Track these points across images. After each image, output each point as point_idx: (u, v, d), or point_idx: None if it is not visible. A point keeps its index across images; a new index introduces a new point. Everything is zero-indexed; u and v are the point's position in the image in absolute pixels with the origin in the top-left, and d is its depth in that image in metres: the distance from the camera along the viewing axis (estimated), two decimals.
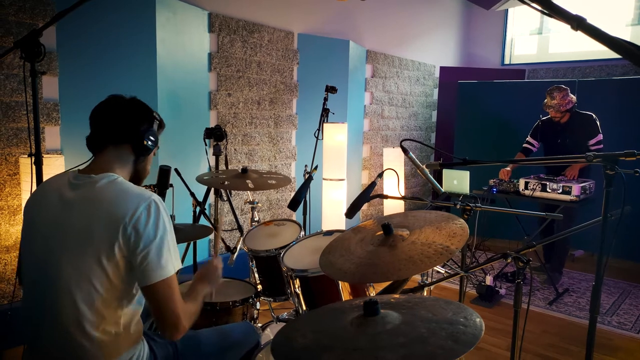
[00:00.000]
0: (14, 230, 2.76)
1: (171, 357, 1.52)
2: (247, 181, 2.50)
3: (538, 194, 3.79)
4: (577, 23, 0.87)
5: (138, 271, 1.29)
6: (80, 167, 1.44)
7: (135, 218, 1.27)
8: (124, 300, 1.33)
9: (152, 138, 1.45)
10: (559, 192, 3.68)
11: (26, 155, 2.66)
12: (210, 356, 1.64)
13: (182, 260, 2.88)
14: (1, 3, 2.62)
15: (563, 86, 3.85)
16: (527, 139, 4.24)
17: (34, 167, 1.89)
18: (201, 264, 1.65)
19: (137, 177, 1.50)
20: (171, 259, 1.32)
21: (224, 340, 1.70)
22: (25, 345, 1.39)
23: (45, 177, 1.83)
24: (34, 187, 1.80)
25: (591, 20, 0.88)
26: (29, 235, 1.38)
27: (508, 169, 4.16)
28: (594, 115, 3.90)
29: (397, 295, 1.38)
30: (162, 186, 1.98)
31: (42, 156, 1.91)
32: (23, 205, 2.08)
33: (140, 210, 1.28)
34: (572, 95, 3.84)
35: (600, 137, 3.85)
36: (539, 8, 0.92)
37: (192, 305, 1.45)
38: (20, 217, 2.75)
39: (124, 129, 1.41)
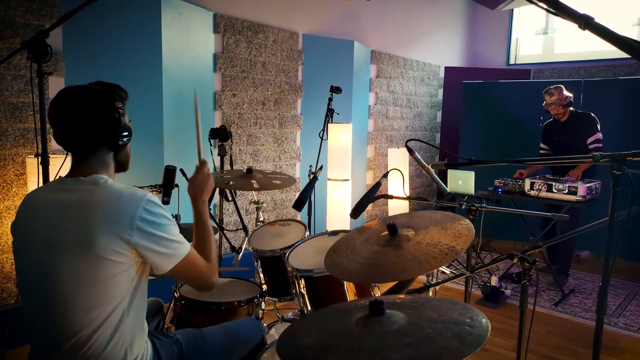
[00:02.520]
0: None
1: (176, 357, 1.52)
2: (252, 181, 2.51)
3: (544, 194, 3.77)
4: (585, 22, 0.87)
5: (151, 264, 1.33)
6: (62, 175, 1.40)
7: (136, 218, 1.26)
8: (125, 303, 1.31)
9: (125, 133, 1.38)
10: (564, 192, 3.65)
11: (33, 156, 2.68)
12: (216, 355, 1.64)
13: None
14: (8, 4, 2.64)
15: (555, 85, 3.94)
16: (540, 145, 4.24)
17: (40, 167, 1.90)
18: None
19: (121, 167, 1.47)
20: (179, 242, 1.35)
21: (230, 339, 1.70)
22: (30, 347, 1.39)
23: (52, 178, 1.84)
24: None
25: (597, 19, 0.87)
26: (24, 243, 1.35)
27: (523, 171, 4.16)
28: (592, 114, 3.90)
29: (402, 296, 1.38)
30: (167, 186, 1.99)
31: (49, 156, 1.92)
32: None
33: (138, 210, 1.27)
34: (567, 92, 3.88)
35: (599, 136, 3.84)
36: (546, 7, 0.92)
37: (208, 247, 1.51)
38: None
39: (93, 136, 1.34)
